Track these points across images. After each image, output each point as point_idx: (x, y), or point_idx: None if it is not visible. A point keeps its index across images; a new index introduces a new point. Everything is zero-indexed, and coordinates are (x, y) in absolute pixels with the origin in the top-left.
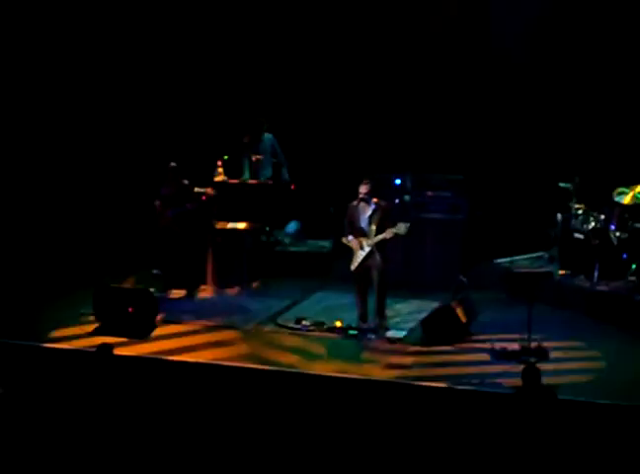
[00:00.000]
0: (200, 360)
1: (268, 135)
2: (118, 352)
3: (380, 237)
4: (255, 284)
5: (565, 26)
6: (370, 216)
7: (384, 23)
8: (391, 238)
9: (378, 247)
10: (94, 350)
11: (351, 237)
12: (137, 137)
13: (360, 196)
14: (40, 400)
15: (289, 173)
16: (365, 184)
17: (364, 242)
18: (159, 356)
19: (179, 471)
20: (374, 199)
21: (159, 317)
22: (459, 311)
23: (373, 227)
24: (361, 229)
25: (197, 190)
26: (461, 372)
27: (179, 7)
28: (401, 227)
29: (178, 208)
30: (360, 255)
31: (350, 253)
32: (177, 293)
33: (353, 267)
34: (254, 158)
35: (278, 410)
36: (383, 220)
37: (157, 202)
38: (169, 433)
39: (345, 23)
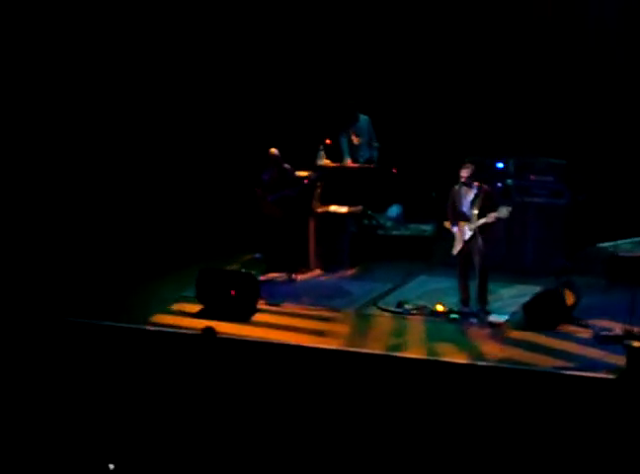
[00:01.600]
0: (302, 344)
1: (364, 117)
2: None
3: (482, 221)
4: (357, 268)
5: None
6: (473, 200)
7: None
8: (493, 222)
9: (480, 231)
10: (198, 332)
11: (455, 228)
12: (239, 123)
13: (462, 179)
14: (146, 382)
15: (381, 155)
16: (467, 167)
17: (466, 226)
18: (261, 339)
19: (286, 448)
20: (476, 183)
21: (261, 301)
22: (565, 294)
23: (475, 211)
24: (464, 213)
25: (298, 174)
26: (564, 357)
27: None
28: (503, 211)
29: (278, 193)
30: (463, 239)
31: (452, 237)
32: (279, 276)
33: (455, 251)
34: (354, 140)
35: (378, 394)
36: (485, 204)
37: (258, 189)
38: (272, 414)
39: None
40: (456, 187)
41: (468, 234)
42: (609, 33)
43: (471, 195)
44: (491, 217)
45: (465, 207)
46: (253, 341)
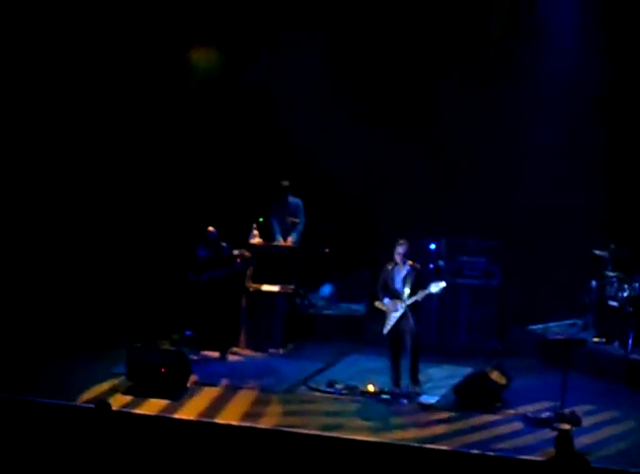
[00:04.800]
0: (231, 422)
1: (294, 199)
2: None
3: (415, 298)
4: (288, 347)
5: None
6: (404, 278)
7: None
8: (424, 298)
9: (412, 309)
10: (94, 406)
11: (387, 299)
12: (171, 200)
13: (397, 257)
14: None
15: (313, 235)
16: (402, 245)
17: (398, 303)
18: (187, 418)
19: None
20: (409, 262)
21: (192, 379)
22: (495, 376)
23: (407, 289)
24: (395, 291)
25: (234, 251)
26: (494, 439)
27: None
28: (436, 286)
29: (207, 274)
30: (394, 317)
31: (383, 316)
32: (210, 354)
33: (385, 330)
34: (289, 220)
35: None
36: (417, 282)
37: (191, 272)
38: None
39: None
40: (388, 266)
41: (400, 311)
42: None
43: (403, 272)
44: (423, 294)
45: (398, 285)
46: (152, 416)
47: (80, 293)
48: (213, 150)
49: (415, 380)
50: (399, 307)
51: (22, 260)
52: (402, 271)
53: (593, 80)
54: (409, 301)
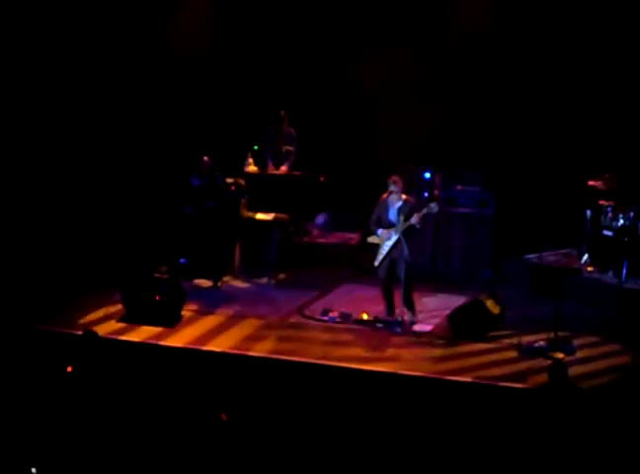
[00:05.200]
0: (227, 350)
1: (289, 129)
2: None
3: (411, 221)
4: (282, 275)
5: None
6: (399, 209)
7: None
8: (419, 225)
9: (405, 236)
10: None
11: (380, 230)
12: (166, 131)
13: (391, 190)
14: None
15: (309, 164)
16: (396, 179)
17: (392, 231)
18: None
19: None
20: (403, 196)
21: (186, 307)
22: (489, 305)
23: (402, 218)
24: (390, 222)
25: (228, 180)
26: (487, 367)
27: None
28: (431, 206)
29: (199, 205)
30: (387, 246)
31: (376, 249)
32: (203, 283)
33: (377, 262)
34: (284, 149)
35: (296, 401)
36: (411, 213)
37: (187, 201)
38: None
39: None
40: (383, 197)
41: (394, 238)
42: (537, 42)
43: (398, 204)
44: (419, 216)
45: (392, 216)
46: (140, 343)
47: (79, 224)
48: (207, 79)
49: (409, 309)
50: (392, 235)
51: (21, 195)
52: (397, 203)
53: None
54: (404, 226)
